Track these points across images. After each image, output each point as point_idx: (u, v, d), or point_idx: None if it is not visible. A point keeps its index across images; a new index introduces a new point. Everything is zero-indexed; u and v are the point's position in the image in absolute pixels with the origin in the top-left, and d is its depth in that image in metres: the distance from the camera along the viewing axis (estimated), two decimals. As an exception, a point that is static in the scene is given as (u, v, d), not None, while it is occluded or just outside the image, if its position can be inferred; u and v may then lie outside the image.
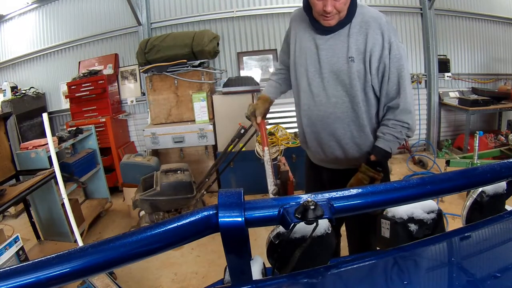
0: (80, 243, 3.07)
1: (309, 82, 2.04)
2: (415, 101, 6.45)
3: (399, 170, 5.82)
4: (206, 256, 3.74)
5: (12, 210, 5.05)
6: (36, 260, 0.76)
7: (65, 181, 3.44)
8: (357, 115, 2.00)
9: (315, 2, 1.83)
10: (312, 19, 1.96)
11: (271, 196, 1.91)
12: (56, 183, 3.18)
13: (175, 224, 0.81)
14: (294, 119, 6.01)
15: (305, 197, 0.86)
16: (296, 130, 5.44)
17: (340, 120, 2.02)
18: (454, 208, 4.07)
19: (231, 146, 4.23)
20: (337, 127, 2.04)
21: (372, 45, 1.87)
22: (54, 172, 2.99)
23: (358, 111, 1.99)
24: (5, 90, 6.04)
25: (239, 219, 0.80)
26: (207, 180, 4.34)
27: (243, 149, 4.31)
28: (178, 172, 4.11)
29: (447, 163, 4.64)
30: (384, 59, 1.88)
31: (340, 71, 1.94)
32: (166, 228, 0.80)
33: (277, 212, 0.84)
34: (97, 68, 6.14)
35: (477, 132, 4.41)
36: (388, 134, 1.93)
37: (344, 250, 2.71)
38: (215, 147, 5.38)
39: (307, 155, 2.42)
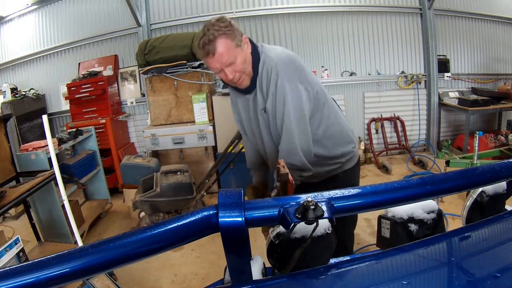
0: (80, 245, 3.07)
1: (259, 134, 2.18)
2: (414, 101, 6.47)
3: (399, 170, 5.82)
4: (206, 257, 3.74)
5: (12, 211, 5.05)
6: (36, 260, 0.75)
7: (65, 182, 3.45)
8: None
9: (220, 76, 1.95)
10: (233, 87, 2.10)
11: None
12: (56, 184, 3.18)
13: (175, 224, 0.81)
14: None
15: (305, 197, 0.86)
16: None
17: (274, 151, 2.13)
18: (454, 208, 4.07)
19: (231, 147, 4.23)
20: (272, 156, 2.17)
21: (266, 92, 1.93)
22: (54, 173, 2.99)
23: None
24: (5, 91, 6.04)
25: (239, 219, 0.80)
26: (207, 181, 4.34)
27: (243, 150, 4.31)
28: (178, 173, 4.11)
29: (447, 163, 4.64)
30: (271, 104, 1.93)
31: (264, 120, 2.05)
32: (166, 228, 0.80)
33: (277, 212, 0.84)
34: (97, 69, 6.14)
35: (477, 132, 4.41)
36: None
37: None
38: (215, 148, 5.38)
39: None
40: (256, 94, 1.99)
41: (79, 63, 6.48)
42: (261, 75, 1.93)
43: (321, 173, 2.18)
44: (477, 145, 4.41)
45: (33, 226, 3.94)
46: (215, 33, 1.80)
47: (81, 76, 5.89)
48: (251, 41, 1.97)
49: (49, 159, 3.68)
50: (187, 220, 0.81)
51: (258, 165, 2.45)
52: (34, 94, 6.35)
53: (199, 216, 0.81)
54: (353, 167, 2.29)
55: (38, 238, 3.96)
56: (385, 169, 5.79)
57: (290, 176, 1.46)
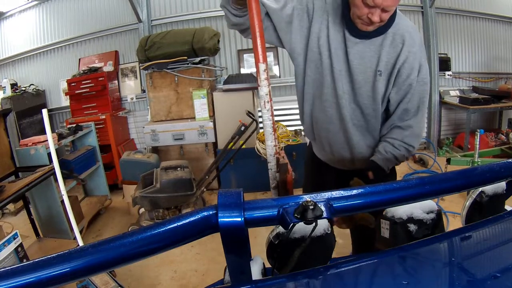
0: (80, 240, 3.07)
1: (335, 81, 1.85)
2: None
3: (399, 168, 5.76)
4: (206, 254, 3.75)
5: (11, 207, 5.06)
6: (36, 260, 0.75)
7: (65, 178, 3.45)
8: (374, 126, 1.93)
9: (360, 6, 1.62)
10: (348, 16, 1.74)
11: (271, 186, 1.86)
12: (56, 180, 3.18)
13: (175, 224, 0.81)
14: (294, 117, 5.97)
15: (304, 197, 0.86)
16: (296, 128, 5.49)
17: (359, 129, 1.94)
18: (455, 207, 4.08)
19: (231, 144, 4.23)
20: (354, 134, 1.94)
21: (403, 62, 1.76)
22: (54, 168, 2.99)
23: (375, 123, 1.92)
24: (5, 87, 6.04)
25: (239, 219, 0.80)
26: (207, 177, 4.34)
27: (243, 146, 4.33)
28: (178, 169, 4.11)
29: (448, 161, 4.65)
30: (412, 80, 1.78)
31: (366, 82, 1.81)
32: (166, 228, 0.80)
33: (276, 212, 0.84)
34: (97, 65, 6.14)
35: (478, 130, 4.41)
36: (390, 153, 1.85)
37: (342, 249, 2.72)
38: (215, 144, 5.38)
39: (309, 148, 2.32)
40: (370, 47, 1.78)
41: (79, 59, 6.47)
42: (394, 35, 1.76)
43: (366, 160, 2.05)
44: (478, 143, 4.41)
45: (32, 221, 3.95)
46: None
47: (81, 71, 5.88)
48: None
49: (49, 154, 3.68)
50: (187, 220, 0.81)
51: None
52: (34, 89, 6.34)
53: (199, 216, 0.81)
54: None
55: (37, 234, 3.97)
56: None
57: (289, 167, 1.46)
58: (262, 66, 1.61)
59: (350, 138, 1.96)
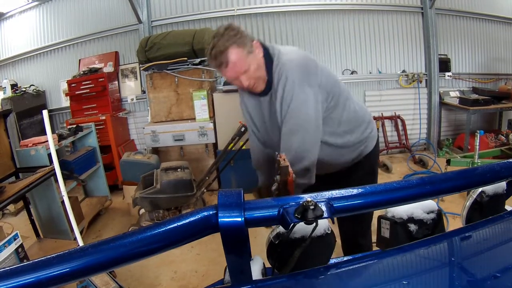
0: (80, 241, 3.07)
1: (272, 133, 2.13)
2: (415, 100, 6.47)
3: (399, 169, 5.82)
4: (206, 254, 3.74)
5: (11, 208, 5.05)
6: (36, 260, 0.76)
7: (65, 178, 3.44)
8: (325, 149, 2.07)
9: (235, 84, 1.97)
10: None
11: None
12: (56, 180, 3.18)
13: (175, 224, 0.81)
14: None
15: (305, 197, 0.86)
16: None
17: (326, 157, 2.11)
18: (455, 207, 4.07)
19: (232, 144, 4.23)
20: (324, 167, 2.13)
21: (275, 95, 1.93)
22: (54, 169, 2.99)
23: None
24: (5, 87, 6.03)
25: (239, 219, 0.80)
26: (207, 178, 4.34)
27: (244, 147, 4.31)
28: (178, 170, 4.11)
29: (448, 162, 4.64)
30: (279, 107, 1.93)
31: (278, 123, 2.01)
32: (166, 228, 0.81)
33: (277, 212, 0.84)
34: (98, 66, 6.13)
35: (478, 131, 4.41)
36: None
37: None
38: (215, 145, 5.38)
39: None
40: (271, 96, 1.98)
41: (79, 60, 6.46)
42: (274, 79, 1.92)
43: (346, 162, 2.23)
44: (478, 144, 4.41)
45: (32, 222, 3.94)
46: (226, 43, 1.79)
47: (82, 72, 5.88)
48: (262, 44, 1.96)
49: (49, 155, 3.68)
50: (187, 220, 0.81)
51: (264, 164, 2.41)
52: (34, 90, 6.33)
53: (199, 216, 0.81)
54: (373, 150, 2.30)
55: (37, 235, 3.96)
56: (385, 167, 5.79)
57: (290, 169, 1.47)
58: None
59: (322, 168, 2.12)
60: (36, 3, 6.42)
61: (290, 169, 1.47)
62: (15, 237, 2.75)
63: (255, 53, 1.89)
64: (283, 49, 1.98)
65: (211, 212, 0.82)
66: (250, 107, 2.19)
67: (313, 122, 1.91)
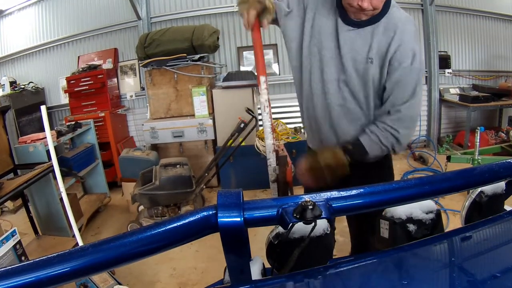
0: (78, 238, 3.07)
1: (323, 67, 1.87)
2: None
3: (399, 166, 5.82)
4: (205, 251, 3.75)
5: (10, 205, 5.06)
6: (37, 260, 0.76)
7: (64, 175, 3.44)
8: (364, 115, 1.91)
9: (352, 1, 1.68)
10: (340, 4, 1.79)
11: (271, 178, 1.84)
12: (55, 177, 3.17)
13: (175, 224, 0.81)
14: (294, 114, 5.98)
15: (303, 197, 0.86)
16: (296, 125, 5.49)
17: (346, 116, 1.92)
18: (455, 204, 4.08)
19: (231, 141, 4.23)
20: (341, 123, 1.93)
21: (395, 50, 1.75)
22: (53, 166, 2.98)
23: (365, 111, 1.90)
24: (4, 84, 6.03)
25: (238, 219, 0.80)
26: (206, 174, 4.34)
27: (243, 143, 4.33)
28: (178, 166, 4.11)
29: (448, 159, 4.64)
30: (404, 68, 1.76)
31: (356, 69, 1.81)
32: (165, 228, 0.81)
33: (276, 212, 0.85)
34: (97, 62, 6.12)
35: (478, 128, 4.41)
36: (374, 134, 1.83)
37: (342, 246, 2.72)
38: (214, 141, 5.38)
39: (307, 145, 2.28)
40: (361, 34, 1.79)
41: (78, 57, 6.46)
42: (387, 24, 1.77)
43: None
44: (478, 140, 4.41)
45: (31, 219, 3.95)
46: None
47: (81, 69, 5.87)
48: None
49: (48, 152, 3.67)
50: (187, 220, 0.81)
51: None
52: (33, 87, 6.33)
53: (199, 216, 0.81)
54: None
55: (36, 232, 3.97)
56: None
57: (289, 159, 1.47)
58: (262, 78, 1.87)
59: (337, 126, 1.96)
60: (34, 0, 6.39)
61: (288, 159, 1.47)
62: (13, 234, 2.75)
63: None
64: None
65: (210, 212, 0.82)
66: (323, 22, 1.87)
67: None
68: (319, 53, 1.87)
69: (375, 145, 1.83)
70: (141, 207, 4.20)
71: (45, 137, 3.27)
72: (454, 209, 4.04)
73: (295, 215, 0.82)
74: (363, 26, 1.78)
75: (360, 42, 1.79)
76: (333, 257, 1.09)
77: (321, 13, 1.87)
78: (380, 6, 1.70)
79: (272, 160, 1.78)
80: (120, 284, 2.75)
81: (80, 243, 3.06)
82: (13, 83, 6.15)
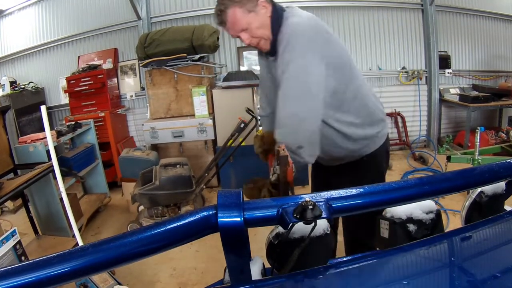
0: (78, 238, 3.07)
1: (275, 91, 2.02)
2: (415, 97, 6.48)
3: (399, 166, 5.83)
4: (206, 251, 3.75)
5: (10, 205, 5.06)
6: (36, 260, 0.76)
7: (64, 175, 3.44)
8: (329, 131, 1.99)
9: (234, 37, 2.00)
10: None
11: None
12: (55, 177, 3.17)
13: (175, 224, 0.81)
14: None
15: (303, 197, 0.86)
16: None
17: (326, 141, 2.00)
18: (455, 204, 4.08)
19: (231, 141, 4.23)
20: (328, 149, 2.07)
21: (281, 60, 1.85)
22: (53, 166, 2.98)
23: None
24: (4, 84, 6.03)
25: (238, 219, 0.80)
26: (206, 174, 4.34)
27: (243, 143, 4.32)
28: (178, 166, 4.11)
29: (448, 159, 4.64)
30: (280, 77, 1.85)
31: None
32: (166, 228, 0.81)
33: (276, 212, 0.84)
34: (97, 62, 6.13)
35: (478, 128, 4.41)
36: None
37: (342, 246, 2.72)
38: (214, 141, 5.38)
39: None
40: (276, 58, 1.92)
41: (78, 57, 6.46)
42: (282, 39, 1.85)
43: (346, 154, 2.12)
44: (478, 140, 4.41)
45: (31, 219, 3.94)
46: (227, 2, 1.85)
47: (81, 69, 5.87)
48: (274, 5, 1.92)
49: (48, 152, 3.67)
50: (187, 220, 0.81)
51: (270, 112, 2.33)
52: (33, 87, 6.33)
53: (199, 216, 0.81)
54: (378, 150, 2.16)
55: (36, 232, 3.97)
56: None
57: (290, 159, 1.47)
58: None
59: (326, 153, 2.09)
60: (35, 0, 6.39)
61: (289, 159, 1.47)
62: (13, 234, 2.75)
63: (260, 11, 1.87)
64: (296, 12, 1.93)
65: (210, 212, 0.82)
66: (261, 66, 2.24)
67: (312, 91, 1.79)
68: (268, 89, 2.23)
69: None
70: (141, 207, 4.20)
71: (45, 137, 3.26)
72: (454, 209, 4.04)
73: (295, 215, 0.82)
74: (274, 54, 1.95)
75: (271, 68, 2.03)
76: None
77: (260, 61, 2.25)
78: (262, 33, 1.90)
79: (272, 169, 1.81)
80: (120, 284, 2.75)
81: (80, 243, 3.06)
82: (13, 83, 6.15)
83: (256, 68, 5.98)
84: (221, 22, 1.92)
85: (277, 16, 1.89)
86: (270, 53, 1.99)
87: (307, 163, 1.90)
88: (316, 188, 2.56)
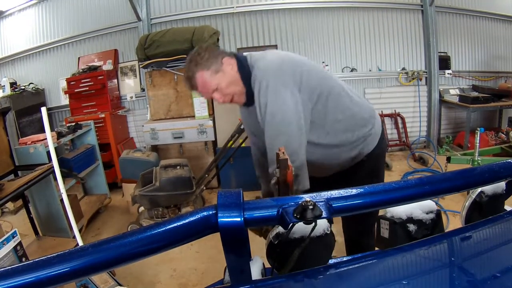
0: (79, 239, 3.07)
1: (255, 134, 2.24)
2: (415, 97, 6.48)
3: (399, 167, 5.82)
4: (206, 252, 3.74)
5: (11, 206, 5.06)
6: (37, 260, 0.76)
7: (64, 176, 3.44)
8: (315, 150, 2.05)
9: (207, 98, 2.19)
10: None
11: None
12: (55, 178, 3.17)
13: (175, 224, 0.81)
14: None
15: (304, 197, 0.86)
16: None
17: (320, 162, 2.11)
18: (455, 205, 4.08)
19: (231, 142, 4.23)
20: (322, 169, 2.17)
21: (257, 105, 1.94)
22: (53, 167, 2.98)
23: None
24: (4, 86, 6.03)
25: (238, 219, 0.80)
26: (206, 175, 4.34)
27: (243, 144, 4.32)
28: (178, 167, 4.11)
29: (448, 159, 4.64)
30: (262, 117, 1.93)
31: (261, 130, 2.01)
32: (166, 228, 0.81)
33: (276, 212, 0.84)
34: (97, 64, 6.13)
35: (478, 128, 4.41)
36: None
37: (342, 247, 2.72)
38: (214, 142, 5.38)
39: None
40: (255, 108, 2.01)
41: (78, 58, 6.47)
42: (253, 88, 1.95)
43: (345, 162, 2.17)
44: (478, 141, 4.41)
45: (31, 220, 3.94)
46: (193, 69, 1.95)
47: (81, 70, 5.88)
48: (237, 58, 2.00)
49: (48, 153, 3.67)
50: (187, 220, 0.81)
51: (265, 172, 2.34)
52: (34, 88, 6.34)
53: (199, 216, 0.81)
54: (375, 149, 2.20)
55: (36, 233, 3.97)
56: (385, 165, 5.78)
57: (289, 162, 1.47)
58: None
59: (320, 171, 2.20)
60: (35, 1, 6.43)
61: (289, 163, 1.47)
62: (13, 235, 2.75)
63: (226, 70, 1.95)
64: (261, 56, 2.00)
65: (210, 212, 0.82)
66: (244, 117, 2.33)
67: (293, 124, 1.89)
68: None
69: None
70: (141, 208, 4.20)
71: (46, 138, 3.26)
72: (454, 210, 4.04)
73: (295, 215, 0.82)
74: (252, 103, 2.00)
75: (254, 114, 2.02)
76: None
77: (240, 107, 2.27)
78: (234, 90, 1.98)
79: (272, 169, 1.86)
80: (120, 285, 2.75)
81: (81, 244, 3.05)
82: (13, 84, 6.15)
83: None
84: (192, 87, 2.01)
85: (244, 67, 1.97)
86: (248, 103, 2.05)
87: (305, 189, 1.95)
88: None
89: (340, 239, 2.96)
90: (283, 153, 1.50)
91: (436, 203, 3.87)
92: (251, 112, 2.07)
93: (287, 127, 1.89)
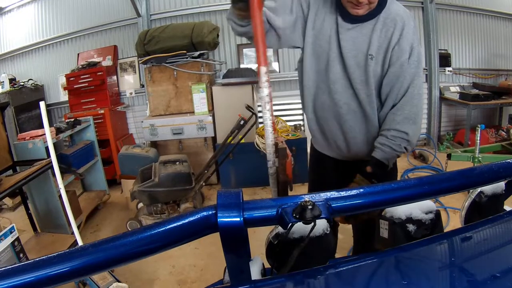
0: (77, 235, 3.07)
1: (328, 66, 1.89)
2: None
3: (399, 164, 5.74)
4: (205, 249, 3.75)
5: (9, 202, 5.06)
6: (36, 259, 0.76)
7: (63, 172, 3.43)
8: (369, 113, 1.90)
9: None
10: (339, 2, 1.80)
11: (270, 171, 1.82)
12: (54, 174, 3.17)
13: (175, 224, 0.81)
14: (294, 112, 5.97)
15: (303, 197, 0.86)
16: (296, 122, 5.48)
17: (353, 113, 1.92)
18: (456, 202, 4.09)
19: (230, 138, 4.24)
20: (348, 119, 1.94)
21: (394, 45, 1.77)
22: (51, 162, 2.97)
23: (370, 109, 1.89)
24: (3, 82, 6.01)
25: (238, 219, 0.80)
26: (206, 171, 4.34)
27: (243, 140, 4.33)
28: (177, 163, 4.11)
29: (449, 157, 4.65)
30: (402, 62, 1.78)
31: (358, 66, 1.83)
32: (165, 228, 0.81)
33: (275, 212, 0.84)
34: (96, 60, 6.12)
35: (479, 125, 4.42)
36: (386, 146, 1.82)
37: (343, 244, 2.73)
38: (214, 138, 5.38)
39: (311, 144, 2.34)
40: (362, 31, 1.81)
41: (78, 54, 6.45)
42: (386, 19, 1.78)
43: (369, 150, 2.01)
44: (478, 138, 4.42)
45: (30, 216, 3.95)
46: None
47: (80, 66, 5.87)
48: None
49: (47, 149, 3.67)
50: (187, 220, 0.81)
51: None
52: (33, 84, 6.32)
53: (199, 216, 0.81)
54: None
55: (34, 229, 3.97)
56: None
57: (288, 151, 1.45)
58: (263, 69, 1.63)
59: (343, 124, 1.97)
60: (34, -4, 6.39)
61: (288, 152, 1.46)
62: (11, 230, 2.75)
63: None
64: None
65: (210, 212, 0.81)
66: (325, 23, 1.88)
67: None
68: (326, 54, 1.88)
69: (390, 156, 1.84)
70: (140, 204, 4.20)
71: (44, 134, 3.26)
72: (454, 207, 4.04)
73: (294, 215, 0.82)
74: (362, 21, 1.79)
75: (360, 40, 1.81)
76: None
77: (322, 14, 1.88)
78: (375, 0, 1.71)
79: (271, 162, 1.72)
80: (119, 281, 2.76)
81: (79, 240, 3.06)
82: (12, 80, 6.13)
83: (255, 66, 5.98)
84: None
85: None
86: (356, 18, 1.79)
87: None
88: (315, 178, 2.42)
89: (340, 236, 2.97)
90: (282, 142, 1.50)
91: (437, 200, 3.89)
92: (347, 30, 1.82)
93: (421, 87, 1.86)
